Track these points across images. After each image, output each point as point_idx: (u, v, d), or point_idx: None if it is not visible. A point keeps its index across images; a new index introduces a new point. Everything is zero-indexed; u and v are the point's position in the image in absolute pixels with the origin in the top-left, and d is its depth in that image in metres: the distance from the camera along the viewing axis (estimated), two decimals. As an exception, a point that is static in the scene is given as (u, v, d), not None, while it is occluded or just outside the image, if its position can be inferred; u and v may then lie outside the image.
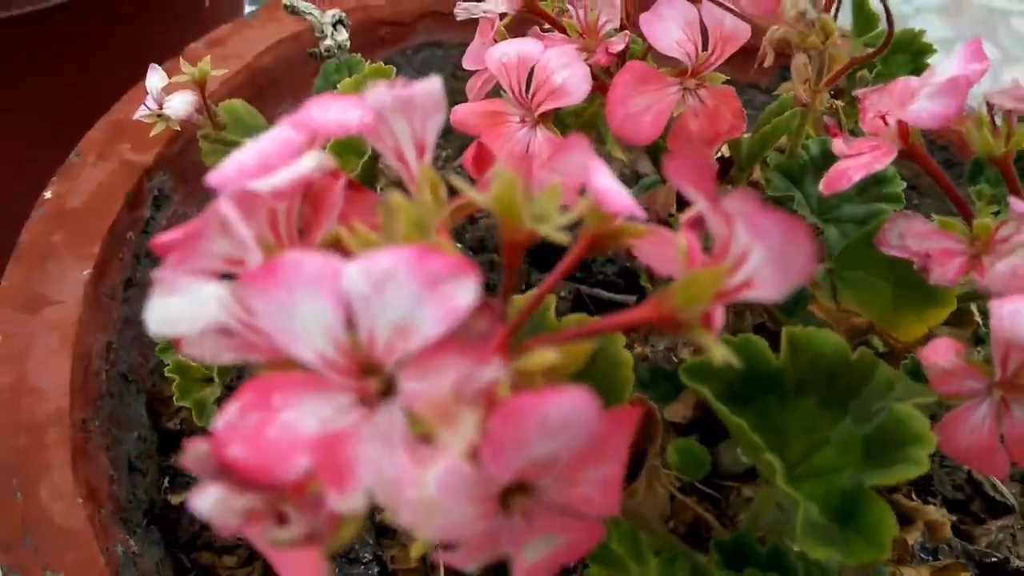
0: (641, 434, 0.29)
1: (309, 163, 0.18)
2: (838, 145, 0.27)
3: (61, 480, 0.40)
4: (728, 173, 0.36)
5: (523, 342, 0.17)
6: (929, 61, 0.48)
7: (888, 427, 0.23)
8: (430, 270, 0.15)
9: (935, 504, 0.52)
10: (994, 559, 0.49)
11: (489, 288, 0.19)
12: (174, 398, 0.42)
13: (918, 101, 0.25)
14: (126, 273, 0.51)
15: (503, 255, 0.18)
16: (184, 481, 0.49)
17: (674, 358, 0.44)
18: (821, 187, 0.26)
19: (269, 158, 0.18)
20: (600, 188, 0.19)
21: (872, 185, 0.34)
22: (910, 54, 0.49)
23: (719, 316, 0.18)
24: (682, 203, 0.37)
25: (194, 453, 0.15)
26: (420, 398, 0.15)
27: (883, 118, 0.26)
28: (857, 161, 0.26)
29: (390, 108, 0.20)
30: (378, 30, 0.66)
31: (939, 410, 0.25)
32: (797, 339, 0.24)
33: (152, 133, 0.43)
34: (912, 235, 0.26)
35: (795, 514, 0.21)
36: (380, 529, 0.47)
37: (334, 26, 0.49)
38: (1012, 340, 0.21)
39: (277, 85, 0.61)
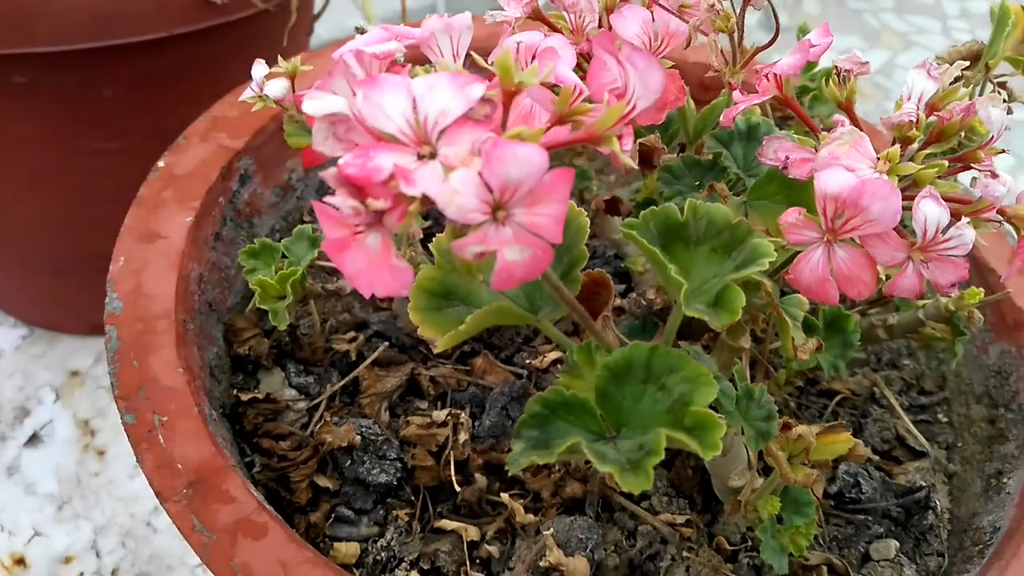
0: (601, 295, 0.41)
1: (393, 45, 0.31)
2: (736, 95, 0.40)
3: (167, 355, 0.52)
4: (651, 159, 0.49)
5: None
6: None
7: (749, 254, 0.35)
8: (459, 81, 0.28)
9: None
10: (910, 490, 0.60)
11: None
12: (257, 303, 0.54)
13: (782, 60, 0.38)
14: (215, 228, 0.64)
15: (502, 100, 0.31)
16: (247, 391, 0.61)
17: (642, 301, 0.56)
18: (721, 120, 0.39)
19: (371, 41, 0.31)
20: (560, 74, 0.32)
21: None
22: (840, 82, 0.63)
23: (629, 140, 0.31)
24: (643, 158, 0.50)
25: (330, 172, 0.28)
26: (450, 158, 0.28)
27: (766, 76, 0.39)
28: (744, 101, 0.39)
29: (439, 29, 0.34)
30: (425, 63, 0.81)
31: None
32: (696, 206, 0.37)
33: (253, 109, 0.57)
34: (782, 149, 0.38)
35: (683, 303, 0.33)
36: (403, 441, 0.59)
37: (393, 44, 0.63)
38: (826, 194, 0.34)
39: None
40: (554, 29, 0.48)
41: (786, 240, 0.36)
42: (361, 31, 0.65)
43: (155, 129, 0.90)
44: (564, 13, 0.47)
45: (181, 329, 0.54)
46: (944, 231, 0.34)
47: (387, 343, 0.65)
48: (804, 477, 0.42)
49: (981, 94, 0.55)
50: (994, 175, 0.36)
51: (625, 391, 0.35)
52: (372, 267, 0.30)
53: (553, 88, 0.34)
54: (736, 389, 0.40)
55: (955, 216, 0.37)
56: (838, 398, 0.66)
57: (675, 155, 0.51)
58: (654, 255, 0.35)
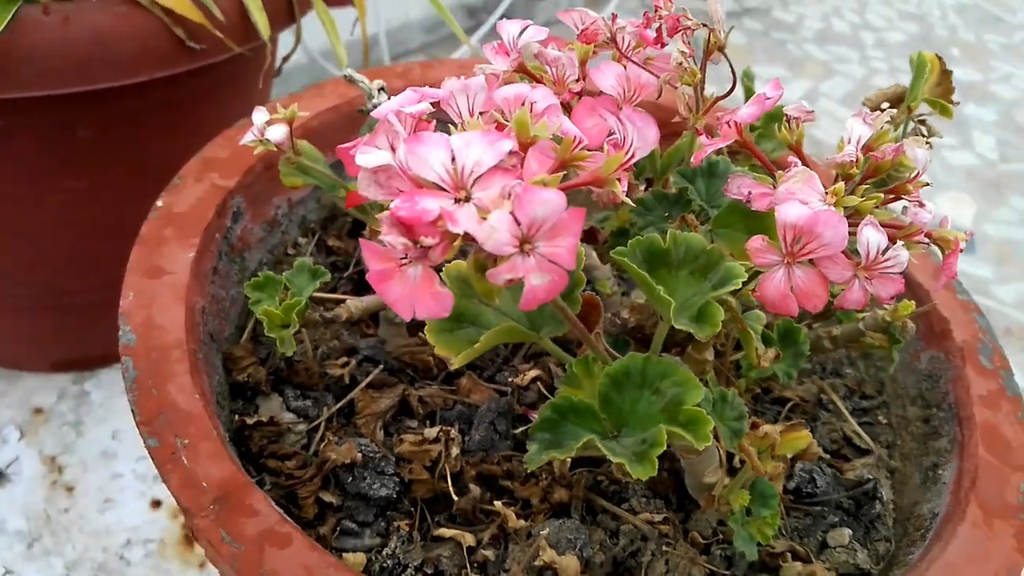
0: (592, 314, 0.47)
1: (424, 105, 0.37)
2: (701, 139, 0.46)
3: (183, 382, 0.56)
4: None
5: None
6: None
7: (723, 276, 0.41)
8: (490, 137, 0.33)
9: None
10: (859, 483, 0.67)
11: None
12: (265, 330, 0.58)
13: (741, 109, 0.44)
14: (213, 263, 0.68)
15: (520, 150, 0.36)
16: (248, 416, 0.65)
17: (617, 320, 0.62)
18: (692, 160, 0.46)
19: (404, 103, 0.37)
20: (567, 128, 0.38)
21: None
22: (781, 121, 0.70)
23: (625, 180, 0.36)
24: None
25: (383, 216, 0.33)
26: (483, 200, 0.33)
27: (727, 123, 0.46)
28: (709, 146, 0.45)
29: (457, 89, 0.39)
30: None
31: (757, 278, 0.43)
32: (675, 235, 0.43)
33: (255, 152, 0.61)
34: (744, 185, 0.45)
35: (672, 318, 0.39)
36: (398, 458, 0.63)
37: (379, 91, 0.69)
38: (785, 223, 0.40)
39: (323, 141, 0.81)
40: (536, 80, 0.54)
41: (753, 262, 0.42)
42: (350, 79, 0.70)
43: (127, 167, 0.94)
44: (546, 67, 0.53)
45: (193, 358, 0.58)
46: (883, 252, 0.40)
47: (378, 366, 0.69)
48: (772, 468, 0.48)
49: (905, 132, 0.63)
50: (921, 204, 0.43)
51: (624, 396, 0.41)
52: (414, 293, 0.35)
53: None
54: (711, 394, 0.46)
55: (891, 240, 0.44)
56: (790, 404, 0.73)
57: (644, 188, 0.57)
58: (644, 278, 0.41)
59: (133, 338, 0.58)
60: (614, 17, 0.54)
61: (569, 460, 0.62)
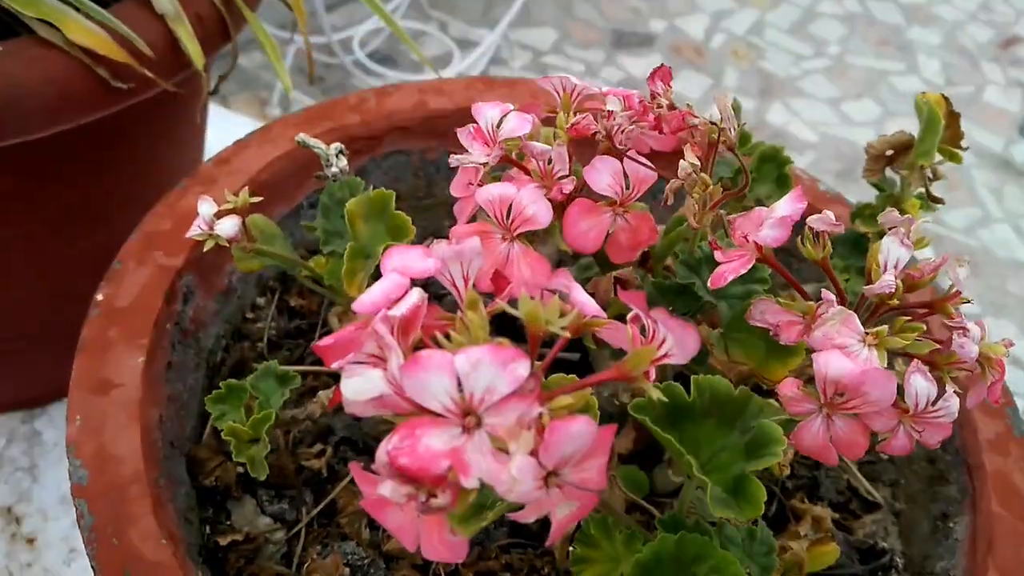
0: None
1: (414, 298, 0.31)
2: (718, 255, 0.41)
3: (147, 526, 0.50)
4: (648, 261, 0.50)
5: (550, 391, 0.30)
6: (787, 171, 0.65)
7: (758, 435, 0.37)
8: (502, 357, 0.28)
9: (822, 505, 0.66)
10: (868, 544, 0.64)
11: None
12: (233, 455, 0.53)
13: (763, 230, 0.39)
14: (167, 358, 0.62)
15: (530, 344, 0.31)
16: (220, 528, 0.60)
17: (615, 401, 0.58)
18: (709, 283, 0.41)
19: (390, 294, 0.31)
20: (579, 301, 0.33)
21: (744, 277, 0.49)
22: (776, 164, 0.66)
23: (653, 373, 0.32)
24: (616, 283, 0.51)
25: (380, 460, 0.28)
26: (497, 428, 0.28)
27: (745, 237, 0.41)
28: (730, 266, 0.40)
29: (449, 256, 0.34)
30: (355, 144, 0.79)
31: (794, 424, 0.39)
32: (700, 383, 0.38)
33: (205, 248, 0.55)
34: (768, 312, 0.40)
35: (707, 494, 0.35)
36: (387, 557, 0.59)
37: (337, 155, 0.62)
38: (826, 377, 0.36)
39: (273, 194, 0.74)
40: (523, 171, 0.48)
41: (787, 412, 0.38)
42: (303, 144, 0.63)
43: (59, 211, 0.85)
44: (533, 160, 0.47)
45: (155, 490, 0.53)
46: (933, 404, 0.36)
47: (354, 450, 0.64)
48: (802, 598, 0.45)
49: (911, 185, 0.58)
50: (965, 331, 0.39)
51: (657, 584, 0.37)
52: (421, 531, 0.30)
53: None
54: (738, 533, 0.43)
55: (933, 367, 0.40)
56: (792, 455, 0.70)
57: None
58: (669, 442, 0.36)
59: (85, 474, 0.52)
60: (605, 94, 0.49)
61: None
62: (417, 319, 0.32)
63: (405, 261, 0.33)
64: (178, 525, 0.54)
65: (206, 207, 0.55)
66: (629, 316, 0.33)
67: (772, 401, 0.39)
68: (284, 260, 0.60)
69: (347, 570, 0.56)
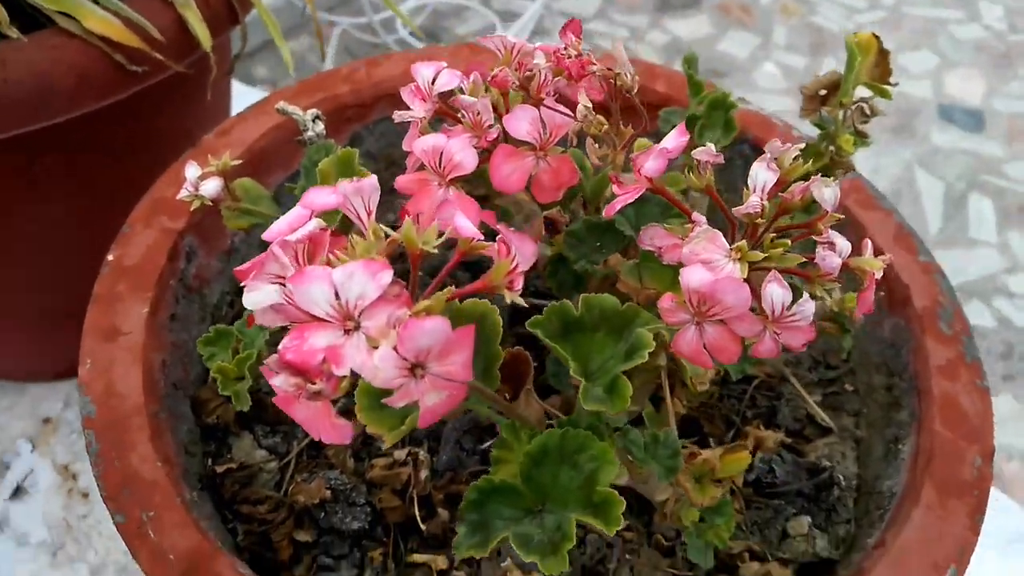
0: (520, 370, 0.47)
1: (312, 226, 0.37)
2: (614, 188, 0.46)
3: (145, 451, 0.58)
4: (556, 227, 0.55)
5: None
6: (732, 115, 0.68)
7: (634, 342, 0.42)
8: (371, 268, 0.34)
9: (778, 431, 0.70)
10: (818, 465, 0.68)
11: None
12: (219, 390, 0.60)
13: (647, 162, 0.44)
14: (171, 310, 0.69)
15: (411, 262, 0.36)
16: (220, 460, 0.67)
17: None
18: (604, 212, 0.45)
19: (293, 224, 0.37)
20: (460, 226, 0.38)
21: (666, 208, 0.54)
22: (723, 109, 0.69)
23: (518, 283, 0.37)
24: (548, 227, 0.56)
25: (271, 359, 0.33)
26: (370, 328, 0.34)
27: (638, 171, 0.46)
28: (622, 197, 0.45)
29: (351, 192, 0.39)
30: (346, 112, 0.85)
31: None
32: (589, 300, 0.43)
33: (191, 208, 0.62)
34: (656, 237, 0.45)
35: (580, 393, 0.40)
36: (369, 484, 0.66)
37: (313, 121, 0.68)
38: (688, 289, 0.40)
39: (270, 161, 0.80)
40: (456, 121, 0.53)
41: (664, 322, 0.42)
42: (283, 112, 0.69)
43: (105, 186, 0.94)
44: (463, 112, 0.52)
45: (154, 421, 0.60)
46: (789, 308, 0.41)
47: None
48: (710, 500, 0.50)
49: (846, 117, 0.62)
50: (831, 246, 0.43)
51: (544, 472, 0.42)
52: (316, 419, 0.36)
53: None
54: (643, 436, 0.48)
55: (808, 280, 0.44)
56: (756, 382, 0.74)
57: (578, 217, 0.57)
58: (557, 350, 0.42)
59: (93, 409, 0.59)
60: (538, 48, 0.53)
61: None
62: (320, 246, 0.38)
63: (312, 197, 0.39)
64: (176, 452, 0.61)
65: (191, 171, 0.62)
66: (498, 238, 0.38)
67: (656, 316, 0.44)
68: (268, 219, 0.67)
69: (329, 492, 0.63)
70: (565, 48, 0.51)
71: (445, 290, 0.36)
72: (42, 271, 1.02)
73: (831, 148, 0.64)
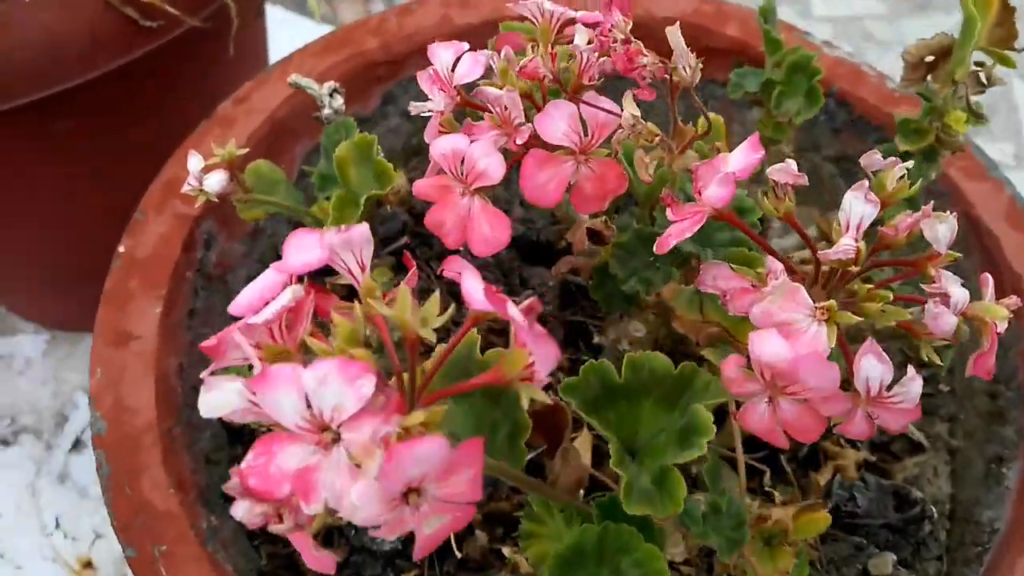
0: (557, 426, 0.40)
1: (286, 298, 0.30)
2: (670, 213, 0.37)
3: (157, 476, 0.53)
4: (602, 239, 0.46)
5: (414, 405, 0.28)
6: (816, 83, 0.58)
7: (691, 422, 0.34)
8: (348, 374, 0.27)
9: (861, 448, 0.62)
10: (906, 498, 0.60)
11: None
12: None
13: (709, 188, 0.35)
14: (189, 305, 0.64)
15: (406, 348, 0.29)
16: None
17: (619, 348, 0.55)
18: (655, 247, 0.37)
19: (264, 294, 0.30)
20: (467, 291, 0.30)
21: (738, 215, 0.45)
22: (806, 74, 0.58)
23: (542, 373, 0.29)
24: (591, 238, 0.48)
25: (232, 484, 0.27)
26: (352, 443, 0.27)
27: (698, 192, 0.37)
28: (677, 227, 0.36)
29: (339, 245, 0.32)
30: (376, 70, 0.77)
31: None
32: (635, 360, 0.35)
33: (196, 204, 0.55)
34: (720, 277, 0.36)
35: (620, 489, 0.33)
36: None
37: (331, 95, 0.60)
38: (760, 362, 0.32)
39: (292, 131, 0.73)
40: (483, 110, 0.45)
41: (730, 393, 0.34)
42: (296, 86, 0.62)
43: (125, 148, 0.88)
44: (490, 107, 0.44)
45: (167, 439, 0.55)
46: (889, 388, 0.32)
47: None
48: (783, 566, 0.42)
49: (956, 94, 0.51)
50: (945, 298, 0.34)
51: None
52: (296, 543, 0.30)
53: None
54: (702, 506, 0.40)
55: (914, 336, 0.35)
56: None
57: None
58: (596, 425, 0.34)
59: (103, 426, 0.55)
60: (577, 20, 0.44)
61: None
62: (300, 313, 0.31)
63: (291, 255, 0.32)
64: (194, 471, 0.57)
65: (194, 162, 0.55)
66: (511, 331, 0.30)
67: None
68: (284, 208, 0.60)
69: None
70: (611, 29, 0.41)
71: (438, 407, 0.28)
72: (82, 232, 0.98)
73: (936, 125, 0.53)
